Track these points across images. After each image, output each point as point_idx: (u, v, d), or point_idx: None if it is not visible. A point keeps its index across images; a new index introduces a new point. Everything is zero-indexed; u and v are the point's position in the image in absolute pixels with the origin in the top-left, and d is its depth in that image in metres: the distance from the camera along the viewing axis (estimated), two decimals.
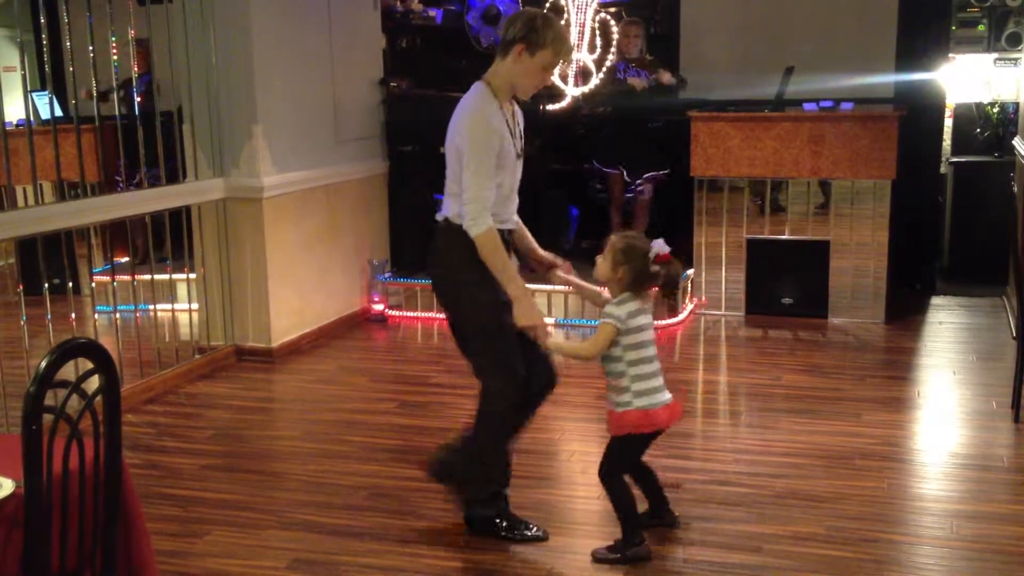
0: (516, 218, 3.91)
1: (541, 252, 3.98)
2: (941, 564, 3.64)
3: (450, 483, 3.98)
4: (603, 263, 3.62)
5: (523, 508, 4.11)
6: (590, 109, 7.81)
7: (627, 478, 3.77)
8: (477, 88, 3.71)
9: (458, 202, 3.67)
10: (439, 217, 3.82)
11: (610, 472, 3.71)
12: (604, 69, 7.58)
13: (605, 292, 3.76)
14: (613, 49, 7.69)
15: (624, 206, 7.58)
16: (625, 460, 3.74)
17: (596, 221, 8.00)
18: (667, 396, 3.63)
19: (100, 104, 5.60)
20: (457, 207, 3.68)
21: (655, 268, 3.54)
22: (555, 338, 3.74)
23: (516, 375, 3.73)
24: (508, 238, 3.80)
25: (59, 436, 2.29)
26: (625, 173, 7.44)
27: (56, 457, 2.29)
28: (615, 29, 7.71)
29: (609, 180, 7.55)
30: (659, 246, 3.56)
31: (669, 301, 3.58)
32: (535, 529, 3.89)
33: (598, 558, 3.68)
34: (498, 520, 3.88)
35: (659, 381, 3.62)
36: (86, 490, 2.39)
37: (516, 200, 3.88)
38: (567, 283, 3.96)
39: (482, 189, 3.57)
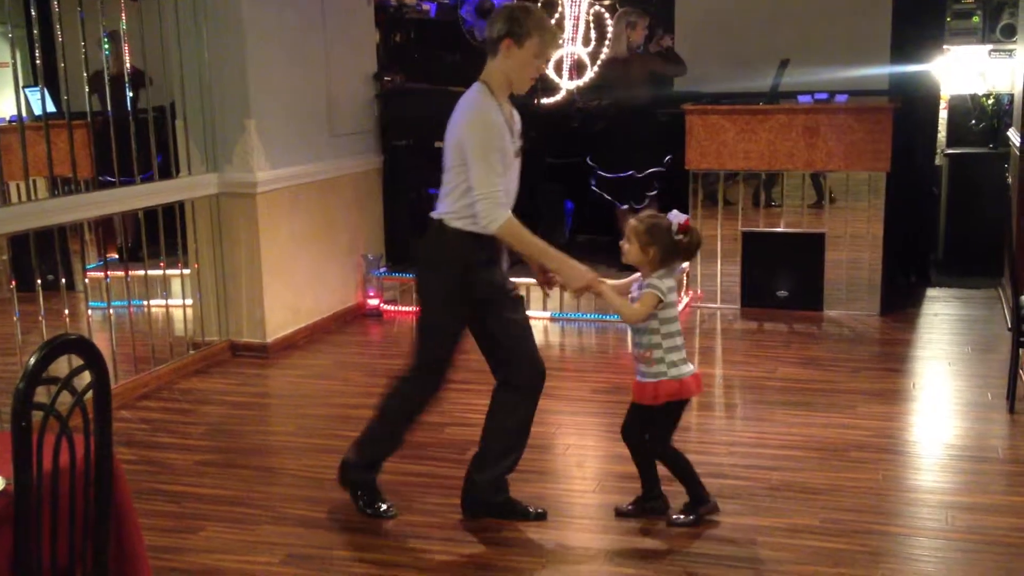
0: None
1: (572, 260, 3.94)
2: (936, 555, 3.64)
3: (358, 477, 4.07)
4: (631, 248, 3.74)
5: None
6: (584, 103, 7.80)
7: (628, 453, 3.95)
8: (475, 88, 3.75)
9: (451, 201, 3.72)
10: (433, 215, 3.84)
11: (659, 443, 3.86)
12: (626, 58, 7.46)
13: (619, 281, 3.89)
14: (608, 42, 7.67)
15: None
16: (670, 429, 3.87)
17: (592, 215, 8.00)
18: (691, 367, 3.80)
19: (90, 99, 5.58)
20: (450, 205, 3.73)
21: (679, 237, 3.69)
22: (613, 295, 3.78)
23: (432, 378, 3.94)
24: (499, 244, 3.81)
25: (49, 432, 2.28)
26: (634, 174, 7.35)
27: (46, 454, 2.28)
28: (609, 22, 7.69)
29: (616, 211, 7.41)
30: (677, 216, 3.71)
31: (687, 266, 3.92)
32: (388, 508, 4.00)
33: (675, 523, 3.85)
34: (359, 492, 4.03)
35: (685, 353, 3.79)
36: (76, 487, 2.38)
37: (512, 203, 3.88)
38: (614, 301, 3.90)
39: (491, 185, 3.61)
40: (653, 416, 3.83)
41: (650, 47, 7.55)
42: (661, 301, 3.68)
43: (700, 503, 3.88)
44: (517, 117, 3.88)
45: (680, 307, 7.03)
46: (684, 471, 3.88)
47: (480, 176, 3.60)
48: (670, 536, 3.79)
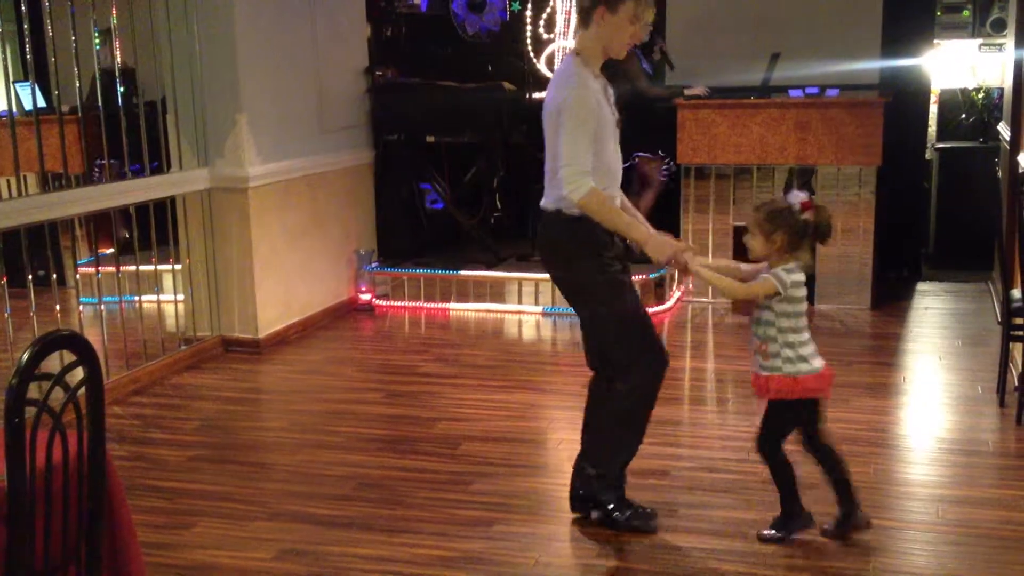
0: (621, 197, 3.83)
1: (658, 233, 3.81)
2: (927, 548, 3.66)
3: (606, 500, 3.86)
4: (755, 240, 3.56)
5: (511, 496, 4.13)
6: None
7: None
8: (568, 60, 3.66)
9: (558, 185, 3.57)
10: (544, 205, 3.72)
11: (765, 441, 3.69)
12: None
13: (743, 265, 3.73)
14: None
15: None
16: (776, 427, 3.68)
17: None
18: (818, 364, 3.57)
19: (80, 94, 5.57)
20: (559, 191, 3.57)
21: (805, 216, 3.48)
22: (704, 268, 3.65)
23: (660, 352, 3.74)
24: None
25: (42, 429, 2.28)
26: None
27: (40, 450, 2.28)
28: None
29: (648, 170, 7.38)
30: (796, 196, 3.52)
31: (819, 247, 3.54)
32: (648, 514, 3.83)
33: (762, 538, 3.69)
34: (612, 507, 3.82)
35: (811, 348, 3.57)
36: (70, 483, 2.38)
37: (620, 177, 3.80)
38: (706, 269, 3.79)
39: (578, 154, 3.49)
40: (768, 412, 3.68)
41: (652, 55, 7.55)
42: (778, 293, 3.49)
43: (790, 520, 3.69)
44: (611, 88, 3.78)
45: (671, 303, 7.05)
46: (783, 480, 3.68)
47: (569, 145, 3.49)
48: (661, 530, 3.80)
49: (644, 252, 3.65)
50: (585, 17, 3.63)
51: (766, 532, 3.71)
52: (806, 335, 3.57)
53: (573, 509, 3.93)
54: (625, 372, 3.73)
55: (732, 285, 3.64)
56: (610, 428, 3.83)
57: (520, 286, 7.03)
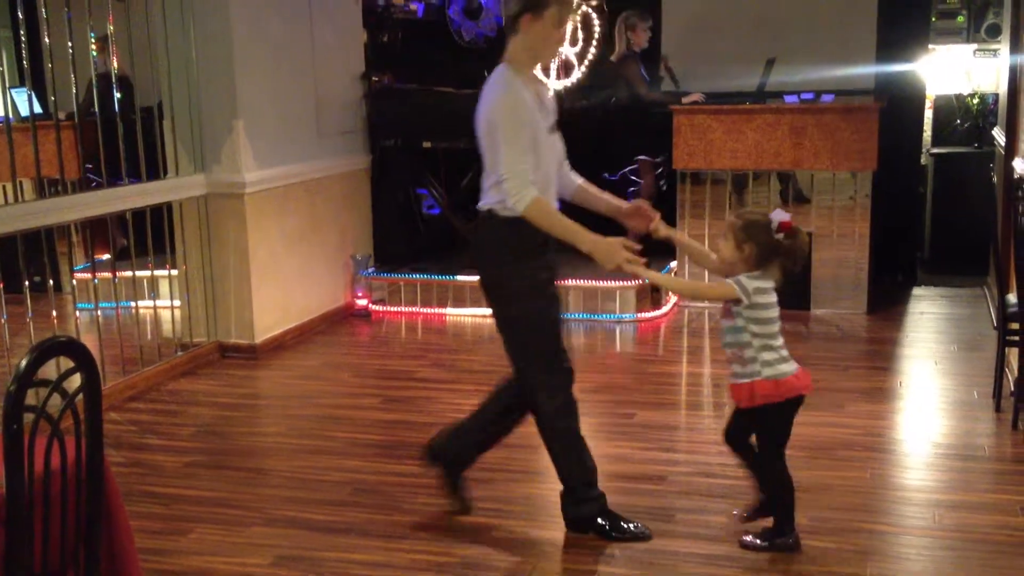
0: (577, 185, 3.88)
1: (625, 205, 3.85)
2: (924, 553, 3.66)
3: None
4: (726, 245, 3.54)
5: (508, 502, 4.13)
6: (571, 103, 7.80)
7: (734, 455, 3.74)
8: (499, 70, 3.68)
9: (498, 190, 3.59)
10: (480, 207, 3.73)
11: (764, 450, 3.65)
12: (621, 58, 7.46)
13: (705, 249, 3.73)
14: (595, 40, 7.69)
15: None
16: (772, 433, 3.64)
17: (580, 216, 8.00)
18: (794, 366, 3.56)
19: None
20: (497, 195, 3.61)
21: (779, 237, 3.47)
22: (651, 272, 3.68)
23: (560, 370, 3.74)
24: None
25: (40, 435, 2.28)
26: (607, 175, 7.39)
27: (38, 456, 2.28)
28: (597, 22, 7.71)
29: (648, 171, 7.42)
30: (779, 215, 3.50)
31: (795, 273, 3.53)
32: (637, 525, 3.81)
33: (744, 544, 3.67)
34: (600, 520, 3.82)
35: (785, 352, 3.56)
36: (68, 489, 2.38)
37: (565, 176, 3.84)
38: (670, 238, 3.84)
39: (518, 163, 3.51)
40: (755, 420, 3.62)
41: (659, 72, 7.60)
42: (740, 301, 3.46)
43: (780, 534, 3.65)
44: (547, 93, 3.80)
45: (667, 307, 7.05)
46: (781, 491, 3.65)
47: (507, 155, 3.51)
48: (659, 535, 3.80)
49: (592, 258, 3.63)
50: (512, 24, 3.66)
51: (747, 538, 3.69)
52: (780, 340, 3.56)
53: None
54: (532, 387, 3.77)
55: (682, 284, 3.68)
56: (550, 446, 3.85)
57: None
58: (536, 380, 3.76)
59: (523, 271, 3.66)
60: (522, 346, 3.76)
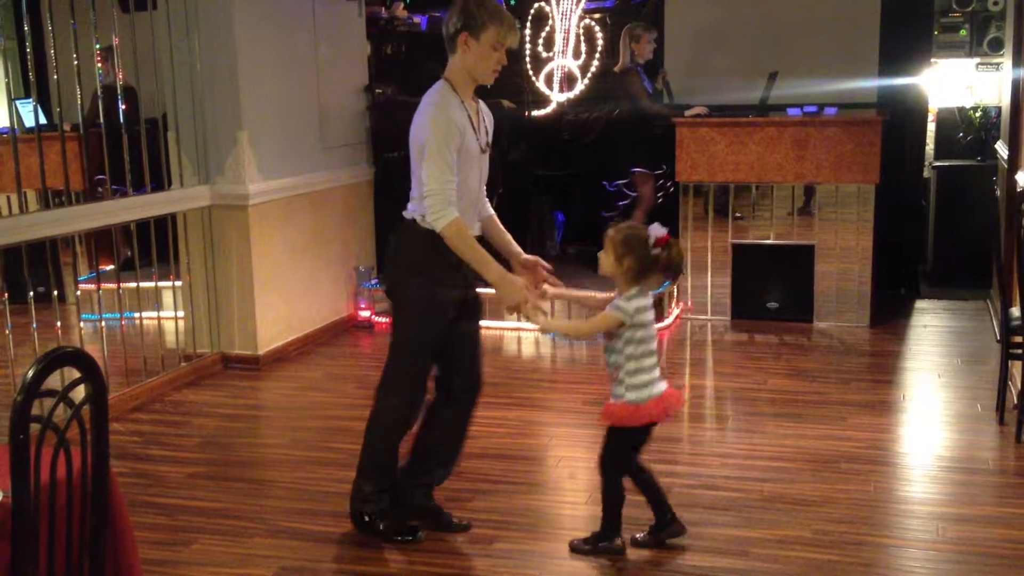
0: (488, 215, 3.92)
1: (524, 255, 3.92)
2: (927, 567, 3.66)
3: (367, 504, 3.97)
4: (605, 258, 3.61)
5: (510, 514, 4.13)
6: (575, 115, 7.83)
7: (627, 482, 3.78)
8: (436, 86, 3.72)
9: (421, 203, 3.64)
10: (404, 213, 3.79)
11: (607, 464, 3.73)
12: (624, 70, 7.48)
13: (598, 295, 3.79)
14: (598, 53, 7.72)
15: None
16: (617, 452, 3.72)
17: (581, 227, 8.02)
18: (660, 387, 3.64)
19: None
20: (421, 207, 3.66)
21: (656, 251, 3.54)
22: (546, 318, 3.75)
23: (415, 397, 3.84)
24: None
25: (47, 445, 2.29)
26: (664, 168, 7.41)
27: (44, 466, 2.28)
28: (600, 35, 7.74)
29: (644, 182, 7.46)
30: (656, 230, 3.57)
31: (672, 286, 3.63)
32: (416, 535, 3.91)
33: (573, 547, 3.77)
34: (367, 518, 3.93)
35: (655, 374, 3.64)
36: (73, 499, 2.38)
37: (484, 202, 3.88)
38: (561, 297, 3.95)
39: (442, 182, 3.55)
40: (609, 436, 3.71)
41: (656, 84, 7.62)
42: (622, 324, 3.55)
43: (605, 537, 3.74)
44: (486, 113, 3.85)
45: (670, 319, 7.06)
46: (611, 502, 3.74)
47: (432, 171, 3.55)
48: (663, 548, 3.79)
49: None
50: (451, 43, 3.69)
51: (576, 540, 3.79)
52: (652, 360, 3.64)
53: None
54: (387, 389, 3.88)
55: (573, 326, 3.83)
56: (368, 439, 3.97)
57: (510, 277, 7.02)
58: (393, 386, 3.85)
59: (427, 287, 3.71)
60: (398, 354, 3.84)
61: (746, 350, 6.56)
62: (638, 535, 3.82)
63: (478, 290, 3.90)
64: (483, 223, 3.90)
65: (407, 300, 3.77)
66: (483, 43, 3.63)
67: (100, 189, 6.34)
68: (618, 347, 3.61)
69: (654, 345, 3.66)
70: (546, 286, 3.84)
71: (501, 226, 3.96)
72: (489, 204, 3.96)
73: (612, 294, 3.68)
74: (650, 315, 3.62)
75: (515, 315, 3.66)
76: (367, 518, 3.92)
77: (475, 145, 3.70)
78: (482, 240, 3.81)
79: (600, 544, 3.75)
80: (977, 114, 8.28)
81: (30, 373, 2.23)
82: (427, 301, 3.73)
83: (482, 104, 3.86)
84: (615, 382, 3.64)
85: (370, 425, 3.95)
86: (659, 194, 7.48)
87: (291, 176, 6.51)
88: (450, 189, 3.56)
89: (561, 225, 8.06)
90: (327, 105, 6.93)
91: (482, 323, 4.01)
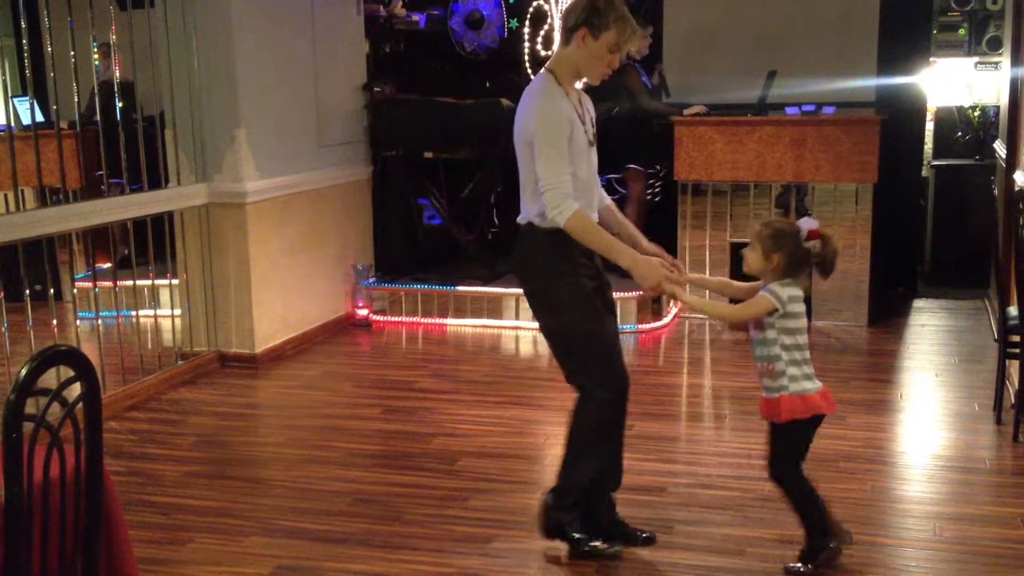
0: (607, 206, 3.81)
1: (647, 244, 3.76)
2: (924, 566, 3.66)
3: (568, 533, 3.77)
4: (753, 255, 3.47)
5: (508, 513, 4.12)
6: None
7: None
8: (541, 77, 3.62)
9: (536, 201, 3.54)
10: (520, 220, 3.68)
11: (783, 468, 3.56)
12: (621, 66, 7.44)
13: (739, 283, 3.66)
14: None
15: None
16: (793, 450, 3.56)
17: None
18: (819, 384, 3.49)
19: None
20: (536, 207, 3.55)
21: (809, 244, 3.39)
22: (691, 296, 3.61)
23: (617, 379, 3.65)
24: None
25: (40, 444, 2.28)
26: (658, 168, 7.40)
27: (37, 465, 2.28)
28: None
29: (636, 180, 7.45)
30: (807, 223, 3.43)
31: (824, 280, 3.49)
32: (610, 546, 3.73)
33: (790, 571, 3.56)
34: (567, 528, 3.74)
35: (810, 369, 3.48)
36: (67, 498, 2.37)
37: (598, 192, 3.77)
38: (699, 284, 3.80)
39: (559, 175, 3.44)
40: (777, 436, 3.54)
41: (653, 79, 7.62)
42: (776, 310, 3.38)
43: (819, 550, 3.52)
44: (589, 104, 3.74)
45: (668, 319, 7.05)
46: (808, 507, 3.54)
47: (547, 166, 3.44)
48: (660, 547, 3.79)
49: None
50: (567, 36, 3.58)
51: (791, 565, 3.58)
52: (808, 353, 3.49)
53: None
54: (582, 389, 3.68)
55: (725, 309, 3.60)
56: (569, 450, 3.75)
57: (517, 302, 7.03)
58: (586, 387, 3.67)
59: (568, 282, 3.59)
60: (573, 354, 3.67)
61: (744, 349, 6.54)
62: (795, 565, 3.59)
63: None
64: (602, 213, 3.79)
65: (556, 302, 3.63)
66: (601, 43, 3.52)
67: (102, 187, 6.33)
68: (771, 337, 3.42)
69: (807, 339, 3.49)
70: (676, 287, 3.59)
71: (621, 215, 3.86)
72: (605, 194, 3.85)
73: (755, 283, 3.54)
74: (802, 308, 3.44)
75: (658, 296, 3.52)
76: (567, 531, 3.74)
77: (584, 137, 3.59)
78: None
79: (820, 556, 3.52)
80: (976, 113, 8.28)
81: (23, 371, 2.22)
82: (574, 296, 3.59)
83: (584, 95, 3.75)
84: (773, 375, 3.45)
85: (572, 438, 3.73)
86: (648, 192, 7.47)
87: (289, 174, 6.50)
88: (566, 182, 3.45)
89: None
90: (325, 103, 6.92)
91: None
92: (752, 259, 3.49)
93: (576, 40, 3.55)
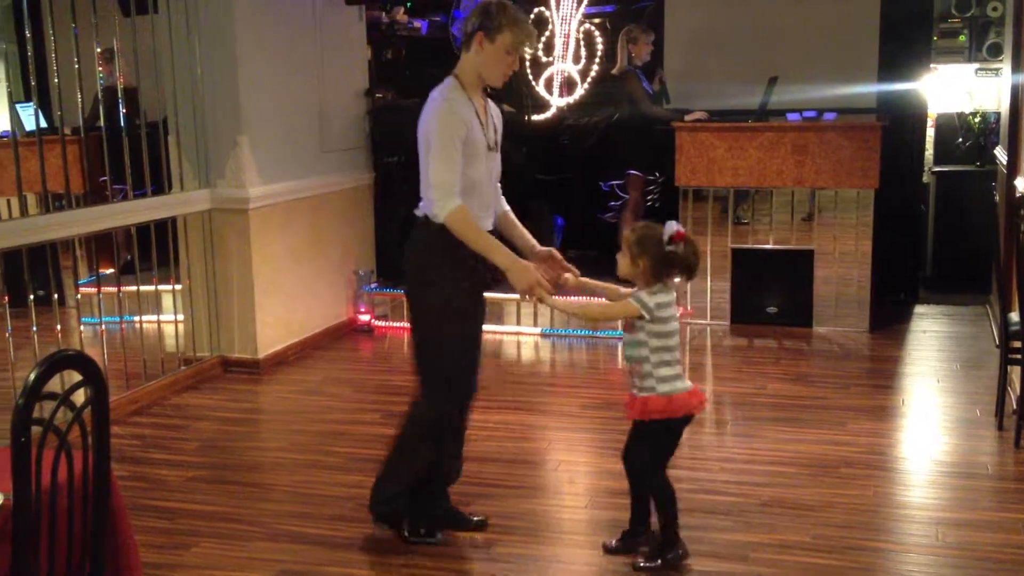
0: (503, 211, 3.93)
1: (539, 248, 3.91)
2: (926, 571, 3.66)
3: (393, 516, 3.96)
4: (622, 259, 3.60)
5: (511, 518, 4.13)
6: (574, 119, 7.84)
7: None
8: (445, 82, 3.76)
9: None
10: (416, 212, 3.81)
11: (646, 464, 3.69)
12: (623, 72, 7.48)
13: (621, 288, 3.76)
14: (598, 58, 7.73)
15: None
16: (658, 448, 3.69)
17: (581, 230, 8.03)
18: (688, 383, 3.62)
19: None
20: (429, 204, 3.68)
21: (671, 248, 3.52)
22: (559, 299, 3.73)
23: (451, 399, 3.81)
24: None
25: (48, 448, 2.29)
26: (657, 175, 7.43)
27: (45, 469, 2.29)
28: (600, 40, 7.75)
29: (635, 186, 7.48)
30: (671, 227, 3.55)
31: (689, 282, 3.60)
32: (436, 536, 3.92)
33: (638, 568, 3.66)
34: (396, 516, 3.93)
35: (679, 369, 3.62)
36: (74, 502, 2.38)
37: (494, 201, 3.88)
38: (582, 287, 3.88)
39: (445, 173, 3.58)
40: (644, 434, 3.69)
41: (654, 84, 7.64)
42: (641, 317, 3.53)
43: (669, 548, 3.67)
44: (494, 110, 3.88)
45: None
46: (668, 509, 3.68)
47: (436, 166, 3.60)
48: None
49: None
50: (467, 41, 3.72)
51: (639, 563, 3.68)
52: (675, 355, 3.61)
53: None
54: (421, 400, 3.83)
55: (590, 309, 3.72)
56: (396, 450, 3.92)
57: (518, 307, 7.05)
58: (426, 396, 3.81)
59: (436, 291, 3.70)
60: (421, 364, 3.83)
61: (745, 355, 6.56)
62: (613, 541, 3.82)
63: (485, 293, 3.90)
64: (498, 219, 3.91)
65: (425, 305, 3.76)
66: (497, 46, 3.66)
67: (105, 193, 6.34)
68: (641, 339, 3.56)
69: (677, 340, 3.62)
70: (567, 275, 3.81)
71: (515, 220, 3.98)
72: (504, 201, 3.97)
73: (630, 290, 3.67)
74: (673, 310, 3.59)
75: (527, 298, 3.64)
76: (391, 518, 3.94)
77: (482, 141, 3.71)
78: (498, 236, 3.79)
79: (668, 556, 3.65)
80: (976, 119, 8.29)
81: (32, 376, 2.23)
82: (444, 307, 3.71)
83: (491, 103, 3.88)
84: (641, 376, 3.59)
85: (401, 440, 3.90)
86: (648, 199, 7.49)
87: (291, 180, 6.52)
88: (453, 180, 3.58)
89: (560, 229, 8.07)
90: (327, 109, 6.93)
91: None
92: (622, 264, 3.63)
93: (475, 45, 3.70)
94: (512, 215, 3.99)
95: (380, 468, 3.97)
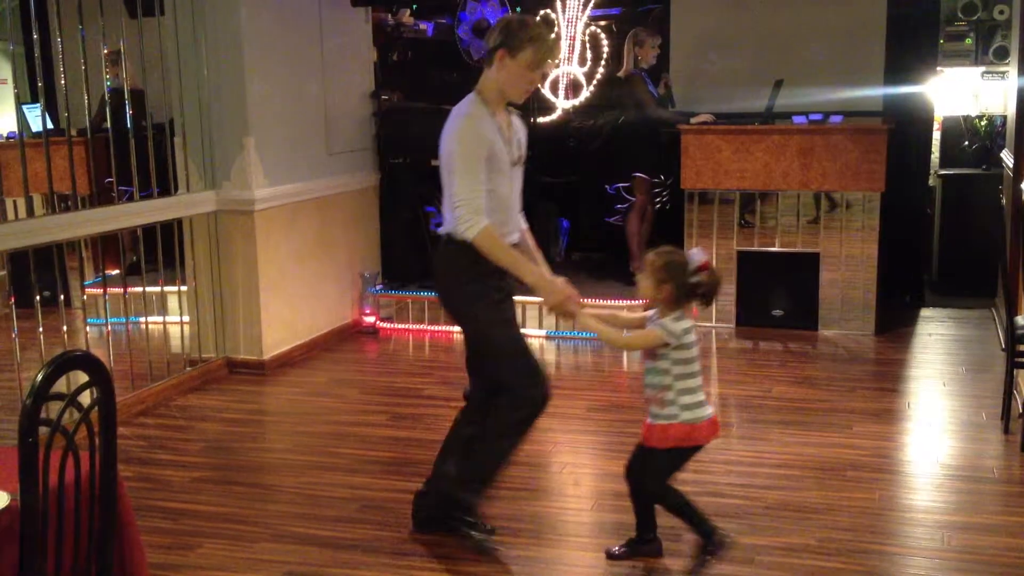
0: (522, 230, 3.94)
1: (547, 271, 3.90)
2: (932, 575, 3.65)
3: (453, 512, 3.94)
4: (645, 282, 3.60)
5: (515, 520, 4.13)
6: (580, 122, 7.84)
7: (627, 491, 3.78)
8: (467, 98, 3.77)
9: (453, 216, 3.68)
10: (440, 231, 3.82)
11: (658, 487, 3.70)
12: (628, 75, 7.47)
13: (630, 314, 3.80)
14: (604, 60, 7.73)
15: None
16: (670, 470, 3.70)
17: (586, 233, 8.04)
18: (709, 411, 3.62)
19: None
20: (453, 222, 3.68)
21: (696, 279, 3.55)
22: (589, 316, 3.72)
23: (536, 377, 3.79)
24: None
25: (55, 449, 2.29)
26: (663, 178, 7.43)
27: (52, 469, 2.29)
28: (605, 42, 7.75)
29: (641, 189, 7.49)
30: (697, 255, 3.58)
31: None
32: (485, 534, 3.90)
33: (692, 570, 3.68)
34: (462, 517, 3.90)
35: (702, 396, 3.62)
36: (81, 502, 2.39)
37: (518, 215, 3.89)
38: (593, 315, 3.85)
39: (471, 191, 3.59)
40: (657, 459, 3.65)
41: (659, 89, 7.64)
42: (667, 344, 3.52)
43: (710, 540, 3.66)
44: (519, 125, 3.89)
45: None
46: (687, 511, 3.69)
47: (461, 182, 3.60)
48: (669, 555, 3.79)
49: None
50: (489, 58, 3.73)
51: (616, 549, 3.77)
52: (699, 380, 3.61)
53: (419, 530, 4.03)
54: (502, 395, 3.81)
55: (618, 338, 3.71)
56: (481, 449, 3.90)
57: (524, 309, 7.05)
58: (511, 393, 3.79)
59: (477, 291, 3.73)
60: (494, 365, 3.83)
61: (751, 357, 6.56)
62: (616, 548, 3.80)
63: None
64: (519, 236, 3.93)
65: (469, 309, 3.79)
66: (519, 63, 3.67)
67: (111, 194, 6.36)
68: (664, 367, 3.56)
69: (699, 367, 3.62)
70: (575, 306, 3.74)
71: (531, 242, 3.97)
72: (523, 219, 3.97)
73: (646, 313, 3.68)
74: (693, 338, 3.59)
75: (557, 314, 3.67)
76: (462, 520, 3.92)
77: (506, 157, 3.72)
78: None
79: (711, 548, 3.67)
80: (983, 123, 8.28)
81: (39, 377, 2.24)
82: (483, 304, 3.75)
83: (515, 118, 3.88)
84: (663, 404, 3.57)
85: (486, 439, 3.88)
86: (656, 201, 7.49)
87: (297, 182, 6.53)
88: (478, 199, 3.59)
89: (566, 232, 8.07)
90: (333, 111, 6.94)
91: None
92: (645, 286, 3.61)
93: (496, 61, 3.71)
94: (528, 235, 3.97)
95: (456, 469, 3.94)
